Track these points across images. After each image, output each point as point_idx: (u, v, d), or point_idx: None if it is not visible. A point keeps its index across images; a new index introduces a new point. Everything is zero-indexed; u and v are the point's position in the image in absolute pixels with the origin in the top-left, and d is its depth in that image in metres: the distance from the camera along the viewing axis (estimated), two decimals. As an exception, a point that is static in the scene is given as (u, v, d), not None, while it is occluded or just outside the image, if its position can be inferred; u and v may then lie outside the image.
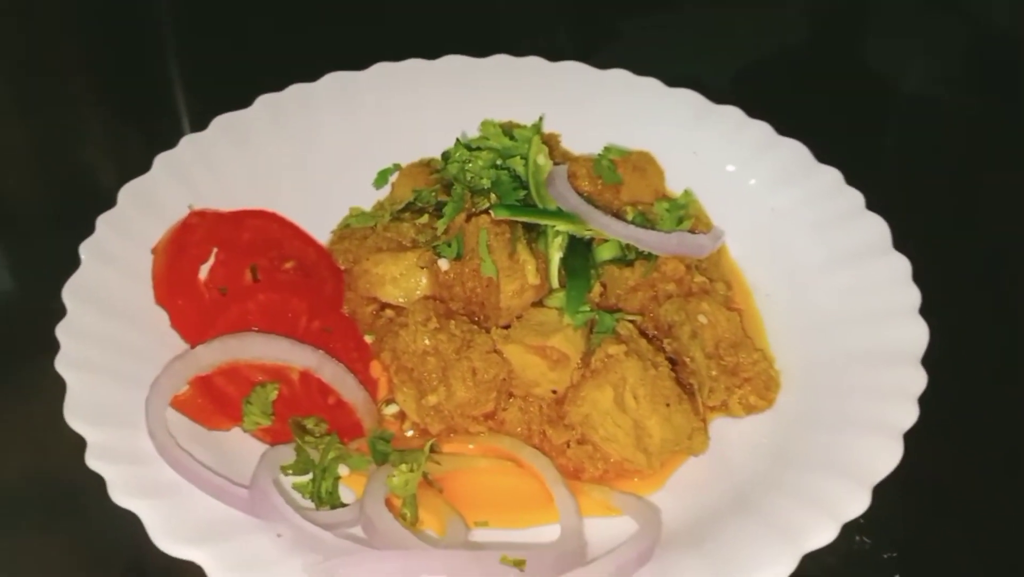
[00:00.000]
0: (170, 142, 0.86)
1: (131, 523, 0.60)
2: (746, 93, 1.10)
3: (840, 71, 1.20)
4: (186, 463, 0.64)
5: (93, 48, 1.27)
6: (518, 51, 1.00)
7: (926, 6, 1.30)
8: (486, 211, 0.79)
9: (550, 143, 0.92)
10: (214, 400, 0.72)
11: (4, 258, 0.92)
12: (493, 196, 0.80)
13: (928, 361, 0.72)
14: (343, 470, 0.70)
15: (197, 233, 0.80)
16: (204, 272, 0.80)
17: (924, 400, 0.69)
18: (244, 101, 0.91)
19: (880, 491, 0.66)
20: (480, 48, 1.00)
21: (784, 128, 0.91)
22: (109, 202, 0.80)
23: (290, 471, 0.68)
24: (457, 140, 0.85)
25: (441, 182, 0.86)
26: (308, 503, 0.68)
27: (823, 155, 0.88)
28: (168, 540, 0.59)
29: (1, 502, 0.72)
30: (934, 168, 1.05)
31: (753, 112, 0.93)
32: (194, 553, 0.58)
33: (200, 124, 0.89)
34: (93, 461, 0.62)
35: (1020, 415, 0.82)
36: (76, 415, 0.64)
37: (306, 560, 0.59)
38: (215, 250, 0.81)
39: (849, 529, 0.72)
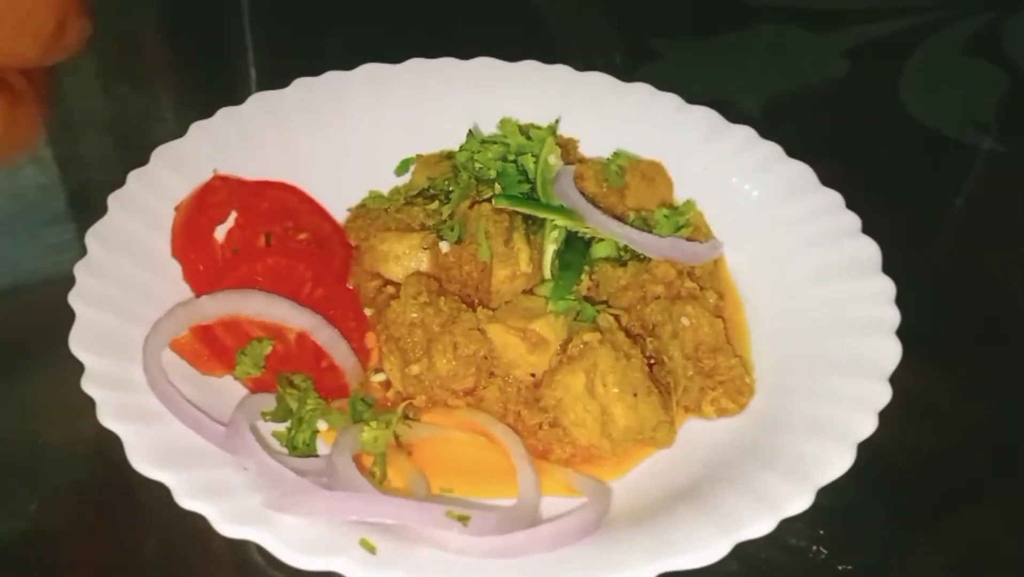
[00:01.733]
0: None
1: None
2: (772, 120, 1.13)
3: (872, 107, 1.22)
4: (171, 395, 0.69)
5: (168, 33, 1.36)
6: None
7: (969, 51, 1.30)
8: (489, 200, 0.83)
9: (567, 147, 0.96)
10: (211, 348, 0.77)
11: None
12: (498, 187, 0.84)
13: (899, 382, 0.73)
14: (322, 425, 0.74)
15: (219, 195, 0.85)
16: (222, 234, 0.86)
17: (894, 417, 0.71)
18: (283, 82, 0.98)
19: (840, 504, 0.68)
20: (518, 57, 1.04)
21: (802, 155, 0.93)
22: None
23: (268, 417, 0.73)
24: (470, 131, 0.90)
25: (453, 171, 0.90)
26: (284, 450, 0.72)
27: (835, 184, 0.90)
28: (142, 462, 0.63)
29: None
30: (946, 206, 1.06)
31: (773, 138, 0.95)
32: (163, 475, 0.62)
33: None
34: (88, 385, 0.67)
35: (988, 436, 0.83)
36: (79, 343, 0.69)
37: (266, 494, 0.63)
38: (234, 213, 0.86)
39: (806, 540, 0.74)
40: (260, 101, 0.95)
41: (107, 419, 0.65)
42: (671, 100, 0.99)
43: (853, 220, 0.86)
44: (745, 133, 0.95)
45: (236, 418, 0.68)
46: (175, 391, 0.69)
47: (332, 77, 0.99)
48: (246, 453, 0.66)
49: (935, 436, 0.83)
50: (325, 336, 0.79)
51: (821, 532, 0.74)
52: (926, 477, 0.80)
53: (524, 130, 0.91)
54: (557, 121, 0.95)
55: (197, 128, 0.90)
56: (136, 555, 0.71)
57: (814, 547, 0.74)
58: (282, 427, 0.73)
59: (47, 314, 0.76)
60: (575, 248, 0.84)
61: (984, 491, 0.80)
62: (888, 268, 0.81)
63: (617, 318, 0.80)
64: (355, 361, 0.79)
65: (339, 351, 0.79)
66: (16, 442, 0.78)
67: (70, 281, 0.74)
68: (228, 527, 0.60)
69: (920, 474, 0.80)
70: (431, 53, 1.03)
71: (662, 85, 1.00)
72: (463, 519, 0.63)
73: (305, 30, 1.31)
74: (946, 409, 0.86)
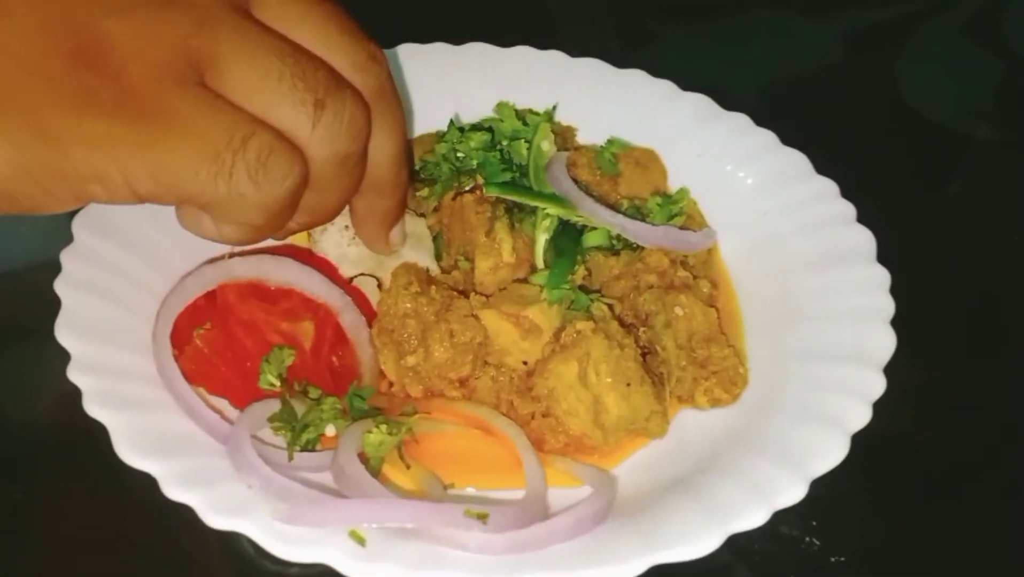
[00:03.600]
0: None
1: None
2: (767, 107, 1.11)
3: (869, 94, 1.21)
4: (173, 372, 0.68)
5: None
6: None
7: (965, 37, 1.30)
8: (472, 190, 0.82)
9: (565, 134, 0.95)
10: (230, 346, 0.74)
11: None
12: (479, 177, 0.84)
13: (892, 371, 0.73)
14: (330, 430, 0.72)
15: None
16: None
17: (887, 406, 0.71)
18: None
19: (833, 495, 0.67)
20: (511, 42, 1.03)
21: (797, 143, 0.92)
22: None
23: (274, 426, 0.71)
24: (451, 121, 0.89)
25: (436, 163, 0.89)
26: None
27: (831, 172, 0.89)
28: (129, 451, 0.62)
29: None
30: (942, 193, 1.06)
31: (768, 125, 0.94)
32: (150, 465, 0.62)
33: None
34: (73, 373, 0.66)
35: (981, 425, 0.83)
36: (65, 330, 0.68)
37: (275, 506, 0.62)
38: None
39: (799, 531, 0.74)
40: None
41: (93, 408, 0.64)
42: (665, 86, 0.98)
43: (848, 208, 0.85)
44: (739, 120, 0.94)
45: (236, 433, 0.66)
46: (178, 370, 0.68)
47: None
48: (248, 471, 0.64)
49: (928, 425, 0.83)
50: (350, 319, 0.77)
51: (814, 523, 0.74)
52: (919, 467, 0.80)
53: (521, 115, 0.90)
54: (554, 107, 0.94)
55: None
56: (124, 545, 0.71)
57: (807, 538, 0.74)
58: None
59: (34, 301, 0.75)
60: (568, 235, 0.83)
61: (977, 481, 0.80)
62: (883, 257, 0.81)
63: (611, 307, 0.79)
64: (373, 353, 0.78)
65: (360, 339, 0.77)
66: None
67: (57, 267, 0.73)
68: (215, 518, 0.60)
69: (913, 464, 0.80)
70: (423, 38, 1.01)
71: (658, 71, 0.99)
72: (482, 517, 0.62)
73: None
74: (939, 398, 0.86)
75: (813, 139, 0.92)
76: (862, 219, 0.84)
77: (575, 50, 1.01)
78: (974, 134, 1.17)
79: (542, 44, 1.02)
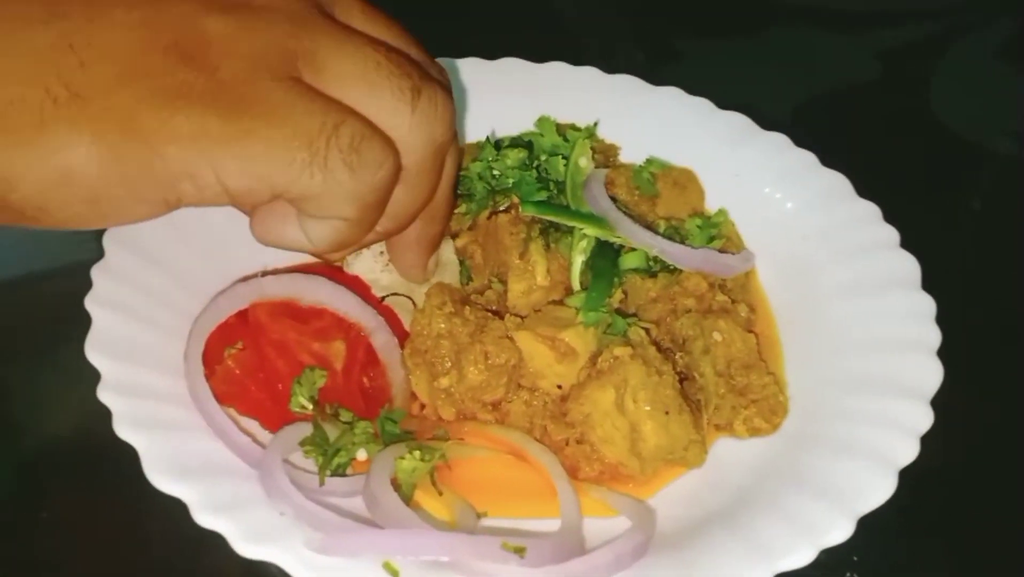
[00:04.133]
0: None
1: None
2: (803, 125, 1.10)
3: (904, 114, 1.19)
4: (207, 396, 0.66)
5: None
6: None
7: (1000, 55, 1.28)
8: (507, 210, 0.81)
9: (607, 152, 0.94)
10: (262, 367, 0.72)
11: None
12: (515, 196, 0.82)
13: (940, 405, 0.71)
14: (361, 454, 0.70)
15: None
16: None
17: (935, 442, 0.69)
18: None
19: (876, 530, 0.65)
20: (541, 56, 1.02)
21: (835, 163, 0.90)
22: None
23: (307, 449, 0.69)
24: (486, 139, 0.87)
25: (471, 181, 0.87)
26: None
27: (864, 191, 0.88)
28: (159, 475, 0.61)
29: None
30: (974, 215, 1.04)
31: (806, 145, 0.92)
32: (181, 489, 0.60)
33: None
34: (104, 394, 0.65)
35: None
36: (95, 349, 0.67)
37: (308, 535, 0.60)
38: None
39: (840, 566, 0.72)
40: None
41: (124, 429, 0.63)
42: (702, 104, 0.96)
43: (891, 233, 0.83)
44: (778, 140, 0.92)
45: (268, 458, 0.64)
46: (210, 392, 0.67)
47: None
48: (281, 497, 0.62)
49: (973, 454, 0.81)
50: (382, 340, 0.76)
51: (855, 558, 0.72)
52: (962, 498, 0.78)
53: (561, 130, 0.89)
54: (596, 124, 0.92)
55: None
56: (150, 570, 0.69)
57: (847, 573, 0.72)
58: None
59: (61, 310, 0.73)
60: (606, 255, 0.81)
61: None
62: (926, 281, 0.79)
63: (648, 332, 0.77)
64: (404, 375, 0.76)
65: (392, 360, 0.76)
66: (25, 444, 0.76)
67: (86, 278, 0.72)
68: (246, 547, 0.58)
69: (955, 495, 0.78)
70: (455, 53, 1.00)
71: (688, 87, 0.98)
72: (519, 551, 0.60)
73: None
74: (983, 427, 0.83)
75: (849, 158, 0.91)
76: (905, 243, 0.82)
77: (604, 64, 1.00)
78: (1008, 152, 1.15)
79: (568, 58, 1.00)
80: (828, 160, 0.90)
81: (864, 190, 0.88)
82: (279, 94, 0.52)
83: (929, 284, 0.79)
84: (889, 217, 0.85)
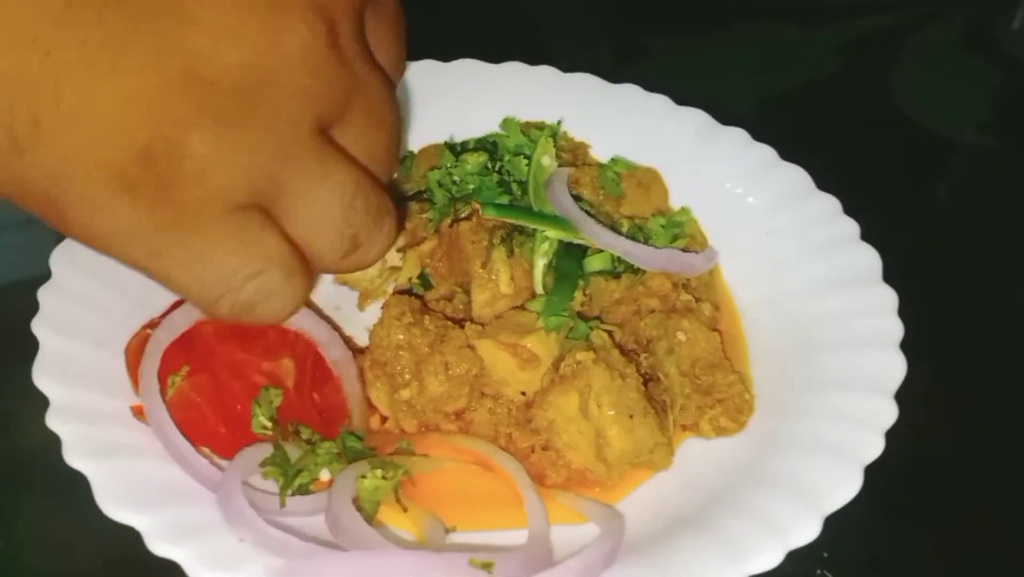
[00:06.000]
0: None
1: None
2: (764, 120, 1.09)
3: (866, 106, 1.19)
4: (161, 415, 0.65)
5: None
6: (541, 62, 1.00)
7: (962, 46, 1.28)
8: (468, 218, 0.79)
9: (577, 151, 0.93)
10: (219, 391, 0.71)
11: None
12: (476, 203, 0.81)
13: (904, 398, 0.71)
14: (324, 474, 0.69)
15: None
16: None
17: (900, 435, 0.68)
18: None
19: (846, 525, 0.65)
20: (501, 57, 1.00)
21: (797, 158, 0.90)
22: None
23: (266, 471, 0.67)
24: (444, 144, 0.86)
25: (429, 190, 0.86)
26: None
27: (829, 186, 0.87)
28: (111, 503, 0.59)
29: None
30: (940, 205, 1.04)
31: (767, 139, 0.92)
32: (134, 518, 0.59)
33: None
34: (53, 420, 0.63)
35: (990, 457, 0.81)
36: (43, 374, 0.65)
37: (268, 561, 0.59)
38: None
39: (810, 563, 0.72)
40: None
41: (73, 457, 0.61)
42: (661, 101, 0.95)
43: (851, 227, 0.83)
44: (738, 136, 0.92)
45: (227, 481, 0.63)
46: (166, 411, 0.65)
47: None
48: (240, 523, 0.61)
49: (936, 445, 0.81)
50: (337, 354, 0.75)
51: (825, 554, 0.72)
52: (926, 488, 0.78)
53: (526, 130, 0.88)
54: (559, 122, 0.91)
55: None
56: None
57: (818, 571, 0.71)
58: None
59: (9, 331, 0.72)
60: (570, 258, 0.80)
61: (993, 496, 0.78)
62: (885, 272, 0.79)
63: (611, 335, 0.76)
64: (361, 389, 0.75)
65: (348, 375, 0.75)
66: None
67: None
68: (205, 574, 0.57)
69: (920, 485, 0.78)
70: (412, 55, 0.98)
71: (651, 84, 0.97)
72: (487, 566, 0.60)
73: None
74: (944, 414, 0.83)
75: (811, 151, 0.90)
76: (870, 236, 0.82)
77: (567, 62, 0.99)
78: (975, 143, 1.15)
79: (535, 58, 1.00)
80: (789, 154, 0.90)
81: (827, 184, 0.87)
82: (217, 229, 0.53)
83: (895, 277, 0.79)
84: (852, 210, 0.84)
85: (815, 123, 1.15)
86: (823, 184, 0.87)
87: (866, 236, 0.82)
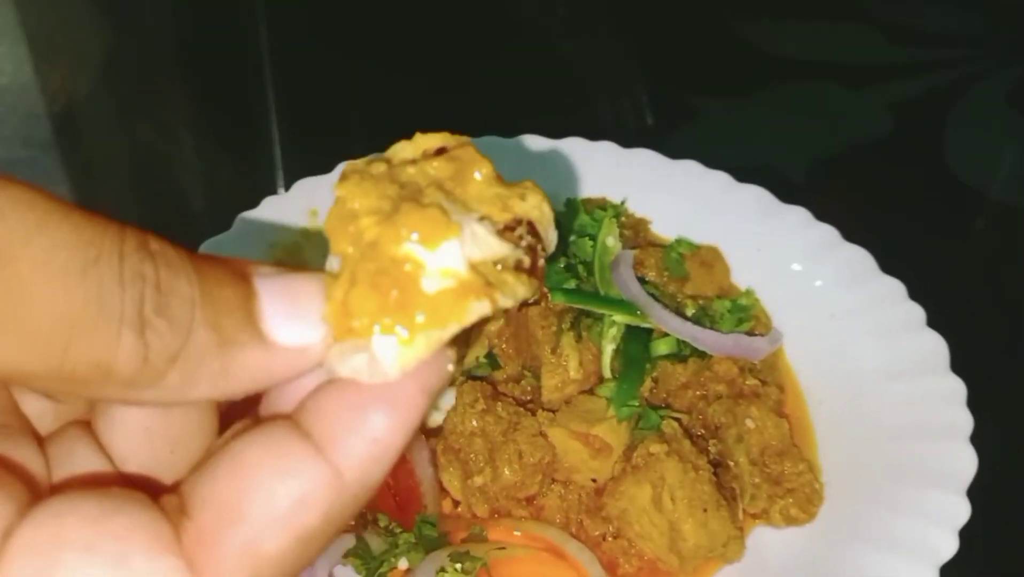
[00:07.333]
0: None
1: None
2: (819, 186, 1.10)
3: (919, 170, 1.19)
4: None
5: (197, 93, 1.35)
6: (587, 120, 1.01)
7: (1016, 106, 1.28)
8: (536, 302, 0.81)
9: (638, 227, 0.94)
10: None
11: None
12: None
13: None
14: (403, 563, 0.70)
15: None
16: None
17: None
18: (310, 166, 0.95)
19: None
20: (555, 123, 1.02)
21: (853, 226, 0.91)
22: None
23: (349, 560, 0.69)
24: None
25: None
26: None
27: (894, 258, 0.88)
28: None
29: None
30: (1005, 285, 1.04)
31: (822, 206, 0.93)
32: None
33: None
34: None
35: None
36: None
37: None
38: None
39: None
40: (304, 187, 0.93)
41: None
42: (721, 178, 0.96)
43: (917, 312, 0.83)
44: (800, 214, 0.92)
45: (318, 572, 0.65)
46: None
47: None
48: None
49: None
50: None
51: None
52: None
53: (589, 208, 0.89)
54: (624, 202, 0.92)
55: (242, 221, 0.88)
56: None
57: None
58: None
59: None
60: (637, 342, 0.81)
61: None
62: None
63: (680, 422, 0.77)
64: (433, 473, 0.76)
65: (420, 460, 0.76)
66: None
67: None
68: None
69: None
70: (473, 131, 1.00)
71: (699, 147, 0.98)
72: None
73: (332, 112, 1.28)
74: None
75: (869, 220, 0.91)
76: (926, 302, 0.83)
77: (615, 127, 1.00)
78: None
79: (579, 120, 1.00)
80: (847, 223, 0.91)
81: (886, 255, 0.88)
82: None
83: (955, 356, 0.79)
84: (914, 290, 0.85)
85: (868, 187, 1.15)
86: (881, 253, 0.88)
87: (931, 317, 0.82)
